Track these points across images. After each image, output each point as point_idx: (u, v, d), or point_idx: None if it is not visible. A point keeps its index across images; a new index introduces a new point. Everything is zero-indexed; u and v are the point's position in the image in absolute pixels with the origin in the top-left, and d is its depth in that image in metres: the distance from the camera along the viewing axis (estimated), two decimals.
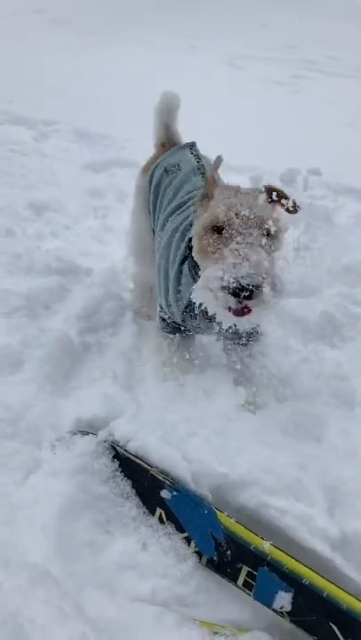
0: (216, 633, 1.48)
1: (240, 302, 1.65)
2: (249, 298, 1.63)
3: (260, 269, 1.63)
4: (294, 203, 1.84)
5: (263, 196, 1.80)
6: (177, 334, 2.31)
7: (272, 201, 1.81)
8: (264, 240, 1.73)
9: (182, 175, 2.40)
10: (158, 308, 2.32)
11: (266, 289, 1.63)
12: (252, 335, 2.24)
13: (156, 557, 1.65)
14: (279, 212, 1.83)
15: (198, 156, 2.48)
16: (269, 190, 1.83)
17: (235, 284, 1.61)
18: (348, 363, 2.45)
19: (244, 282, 1.60)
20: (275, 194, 1.81)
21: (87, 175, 4.67)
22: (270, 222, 1.74)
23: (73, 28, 9.98)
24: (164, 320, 2.30)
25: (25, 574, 1.47)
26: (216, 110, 5.58)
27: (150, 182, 2.54)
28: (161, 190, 2.46)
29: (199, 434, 1.87)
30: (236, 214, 1.74)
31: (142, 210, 2.67)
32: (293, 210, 1.86)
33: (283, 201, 1.82)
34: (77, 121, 5.70)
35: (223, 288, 1.64)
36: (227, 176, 2.45)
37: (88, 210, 4.04)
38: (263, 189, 1.84)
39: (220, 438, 1.86)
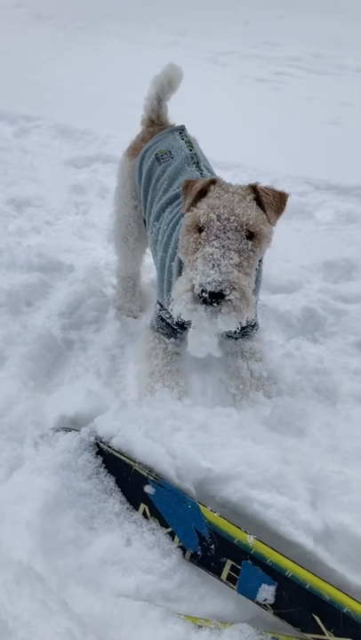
0: (200, 627, 1.50)
1: (208, 308, 1.69)
2: (217, 303, 1.67)
3: (229, 276, 1.66)
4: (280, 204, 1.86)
5: (250, 197, 1.81)
6: (172, 339, 2.28)
7: (260, 202, 1.82)
8: (243, 243, 1.74)
9: (176, 164, 2.33)
10: (157, 307, 2.28)
11: (232, 296, 1.66)
12: (246, 329, 2.23)
13: (140, 553, 1.65)
14: (264, 213, 1.84)
15: (190, 142, 2.41)
16: (261, 190, 1.84)
17: (201, 290, 1.66)
18: (330, 358, 2.48)
19: (209, 288, 1.65)
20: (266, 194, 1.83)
21: (69, 171, 4.64)
22: (251, 224, 1.75)
23: (54, 23, 9.89)
24: (162, 320, 2.26)
25: (9, 571, 1.46)
26: (197, 107, 5.57)
27: (140, 169, 2.47)
28: (153, 179, 2.40)
29: (183, 429, 1.87)
30: (218, 216, 1.74)
31: (128, 193, 2.60)
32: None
33: (270, 199, 1.83)
34: (59, 117, 5.65)
35: (193, 296, 1.69)
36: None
37: (70, 206, 4.01)
38: (255, 187, 1.85)
39: (204, 433, 1.87)
